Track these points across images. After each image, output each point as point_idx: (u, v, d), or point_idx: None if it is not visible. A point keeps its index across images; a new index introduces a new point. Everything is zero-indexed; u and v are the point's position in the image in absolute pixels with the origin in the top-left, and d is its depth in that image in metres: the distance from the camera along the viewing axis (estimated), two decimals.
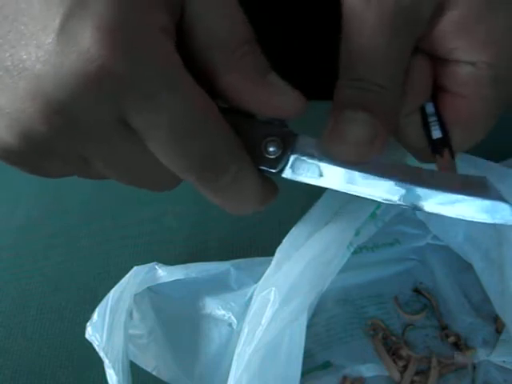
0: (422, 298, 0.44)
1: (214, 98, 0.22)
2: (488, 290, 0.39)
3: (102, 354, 0.34)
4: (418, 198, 0.24)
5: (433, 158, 0.27)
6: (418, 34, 0.25)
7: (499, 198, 0.24)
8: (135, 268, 0.37)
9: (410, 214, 0.43)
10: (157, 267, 0.37)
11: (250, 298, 0.35)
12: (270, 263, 0.34)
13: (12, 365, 0.43)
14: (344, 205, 0.34)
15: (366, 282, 0.44)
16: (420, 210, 0.25)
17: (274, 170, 0.25)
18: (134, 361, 0.38)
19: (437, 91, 0.28)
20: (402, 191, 0.24)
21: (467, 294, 0.44)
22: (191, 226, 0.49)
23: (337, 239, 0.33)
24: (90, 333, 0.35)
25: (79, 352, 0.43)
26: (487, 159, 0.37)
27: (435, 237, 0.44)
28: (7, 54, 0.20)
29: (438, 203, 0.24)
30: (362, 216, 0.34)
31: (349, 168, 0.24)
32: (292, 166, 0.25)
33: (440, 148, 0.27)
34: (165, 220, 0.50)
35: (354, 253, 0.35)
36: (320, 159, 0.25)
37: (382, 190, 0.24)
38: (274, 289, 0.32)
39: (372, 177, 0.24)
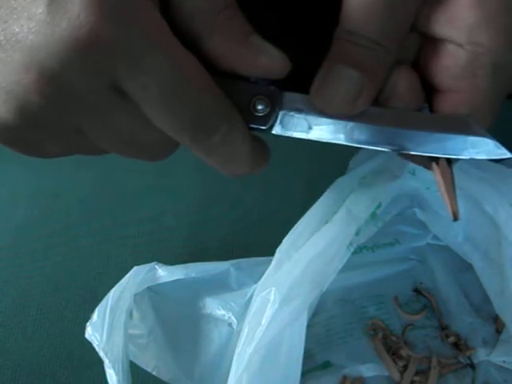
0: (422, 298, 0.44)
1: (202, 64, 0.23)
2: (488, 290, 0.39)
3: (101, 354, 0.34)
4: (404, 140, 0.25)
5: (429, 165, 0.27)
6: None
7: (482, 134, 0.25)
8: (135, 268, 0.37)
9: (410, 214, 0.43)
10: (157, 267, 0.37)
11: (250, 298, 0.35)
12: (270, 263, 0.34)
13: (12, 365, 0.43)
14: (344, 204, 0.34)
15: (366, 282, 0.44)
16: (407, 151, 0.25)
17: (263, 127, 0.25)
18: (134, 361, 0.38)
19: (432, 94, 0.27)
20: (389, 136, 0.25)
21: (467, 294, 0.44)
22: (191, 225, 0.49)
23: (337, 239, 0.33)
24: (90, 332, 0.35)
25: (79, 352, 0.43)
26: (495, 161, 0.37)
27: (435, 237, 0.44)
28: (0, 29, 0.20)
29: (422, 143, 0.25)
30: (362, 216, 0.34)
31: (336, 119, 0.25)
32: (281, 122, 0.26)
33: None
34: (164, 220, 0.50)
35: (354, 253, 0.35)
36: (308, 113, 0.25)
37: (368, 137, 0.25)
38: (273, 289, 0.32)
39: (358, 125, 0.25)
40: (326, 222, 0.34)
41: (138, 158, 0.25)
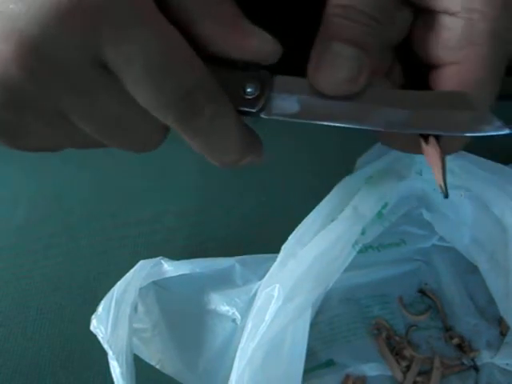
0: (427, 299, 0.44)
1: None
2: (493, 292, 0.39)
3: (106, 346, 0.34)
4: (402, 119, 0.24)
5: (412, 148, 0.27)
6: None
7: (481, 109, 0.24)
8: (141, 262, 0.37)
9: (416, 215, 0.42)
10: (162, 262, 0.37)
11: (255, 295, 0.35)
12: (274, 260, 0.34)
13: (12, 365, 0.43)
14: (350, 203, 0.34)
15: (371, 282, 0.44)
16: (405, 130, 0.25)
17: (253, 110, 0.25)
18: (138, 354, 0.38)
19: (430, 71, 0.27)
20: (385, 115, 0.24)
21: (472, 296, 0.44)
22: (191, 225, 0.49)
23: (342, 238, 0.33)
24: (95, 325, 0.35)
25: (79, 352, 0.43)
26: (496, 161, 0.37)
27: (441, 238, 0.44)
28: None
29: (421, 122, 0.24)
30: (368, 215, 0.34)
31: (331, 100, 0.25)
32: (271, 104, 0.25)
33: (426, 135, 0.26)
34: (165, 220, 0.50)
35: (360, 252, 0.35)
36: (300, 95, 0.25)
37: (363, 117, 0.25)
38: (278, 285, 0.32)
39: (353, 105, 0.25)
40: (332, 221, 0.34)
41: (125, 146, 0.25)
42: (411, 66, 0.28)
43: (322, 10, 0.25)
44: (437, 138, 0.25)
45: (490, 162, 0.36)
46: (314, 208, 0.35)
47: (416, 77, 0.28)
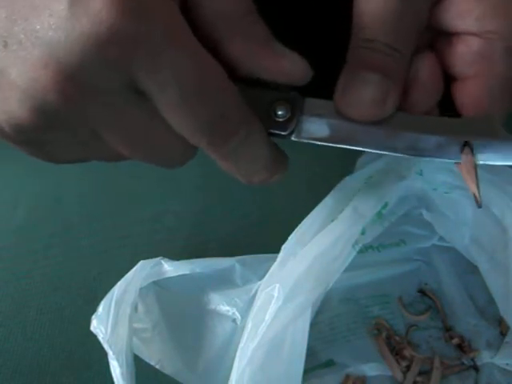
0: (427, 299, 0.44)
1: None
2: (493, 293, 0.39)
3: (106, 346, 0.34)
4: (429, 146, 0.25)
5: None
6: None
7: (508, 138, 0.25)
8: (141, 262, 0.37)
9: (416, 215, 0.42)
10: (162, 262, 0.37)
11: (255, 295, 0.35)
12: (275, 260, 0.34)
13: (12, 365, 0.43)
14: (350, 203, 0.34)
15: (371, 282, 0.44)
16: (431, 157, 0.25)
17: (284, 133, 0.25)
18: (138, 354, 0.38)
19: (449, 83, 0.27)
20: (413, 142, 0.25)
21: (472, 296, 0.44)
22: (191, 225, 0.49)
23: (342, 237, 0.33)
24: (95, 325, 0.35)
25: (79, 352, 0.43)
26: None
27: (441, 238, 0.44)
28: (21, 28, 0.20)
29: (447, 149, 0.25)
30: (368, 215, 0.34)
31: (357, 125, 0.25)
32: (301, 128, 0.25)
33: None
34: (165, 219, 0.50)
35: (360, 252, 0.35)
36: (329, 119, 0.25)
37: (392, 142, 0.25)
38: (278, 285, 0.32)
39: (382, 132, 0.25)
40: (332, 221, 0.34)
41: (154, 163, 0.25)
42: None
43: (348, 36, 0.26)
44: (470, 147, 0.26)
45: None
46: (314, 208, 0.35)
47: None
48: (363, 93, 0.24)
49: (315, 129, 0.25)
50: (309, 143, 0.25)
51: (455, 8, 0.26)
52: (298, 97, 0.25)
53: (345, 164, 0.38)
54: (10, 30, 0.20)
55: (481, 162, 0.25)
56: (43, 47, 0.20)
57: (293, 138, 0.25)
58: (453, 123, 0.26)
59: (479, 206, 0.26)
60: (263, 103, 0.25)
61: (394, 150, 0.25)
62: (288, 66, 0.24)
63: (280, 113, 0.25)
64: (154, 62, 0.21)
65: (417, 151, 0.25)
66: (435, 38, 0.28)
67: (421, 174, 0.38)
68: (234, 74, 0.24)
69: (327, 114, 0.25)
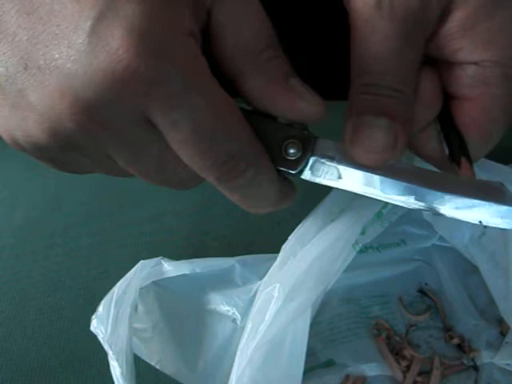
0: (427, 299, 0.44)
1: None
2: (493, 293, 0.39)
3: (106, 346, 0.34)
4: (436, 201, 0.25)
5: (451, 168, 0.27)
6: (427, 35, 0.25)
7: None
8: (141, 262, 0.37)
9: (416, 215, 0.42)
10: (162, 262, 0.37)
11: (255, 295, 0.35)
12: (275, 260, 0.34)
13: (12, 365, 0.43)
14: (350, 203, 0.34)
15: (371, 282, 0.44)
16: (437, 213, 0.25)
17: (293, 172, 0.25)
18: (138, 354, 0.38)
19: (448, 100, 0.28)
20: (420, 195, 0.25)
21: (472, 296, 0.44)
22: (191, 225, 0.49)
23: (342, 237, 0.33)
24: (95, 325, 0.35)
25: (79, 352, 0.43)
26: (496, 161, 0.37)
27: (441, 238, 0.44)
28: (40, 53, 0.21)
29: (454, 207, 0.25)
30: (368, 215, 0.34)
31: (368, 171, 0.25)
32: (311, 168, 0.25)
33: (458, 157, 0.27)
34: (165, 219, 0.50)
35: (360, 252, 0.35)
36: (339, 162, 0.25)
37: (400, 193, 0.25)
38: (278, 285, 0.32)
39: (391, 180, 0.25)
40: (332, 221, 0.34)
41: (165, 186, 0.26)
42: None
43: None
44: (470, 162, 0.26)
45: (490, 162, 0.36)
46: (314, 208, 0.35)
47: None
48: (373, 139, 0.24)
49: (325, 171, 0.25)
50: (320, 184, 0.26)
51: (449, 44, 0.26)
52: (310, 137, 0.25)
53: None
54: (30, 54, 0.21)
55: (486, 225, 0.25)
56: (61, 77, 0.20)
57: (302, 177, 0.26)
58: (463, 183, 0.26)
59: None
60: (275, 139, 0.25)
61: (403, 202, 0.25)
62: (303, 106, 0.24)
63: (291, 151, 0.25)
64: (169, 102, 0.21)
65: (424, 206, 0.25)
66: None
67: None
68: (249, 105, 0.24)
69: (338, 156, 0.25)
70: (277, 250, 0.34)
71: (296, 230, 0.34)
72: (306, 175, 0.25)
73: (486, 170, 0.36)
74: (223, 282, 0.38)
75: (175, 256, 0.38)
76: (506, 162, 0.37)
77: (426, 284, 0.45)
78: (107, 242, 0.49)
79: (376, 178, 0.25)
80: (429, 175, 0.26)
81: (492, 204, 0.25)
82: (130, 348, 0.34)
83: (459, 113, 0.27)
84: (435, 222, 0.42)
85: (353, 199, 0.34)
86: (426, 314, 0.43)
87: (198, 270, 0.37)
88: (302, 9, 0.50)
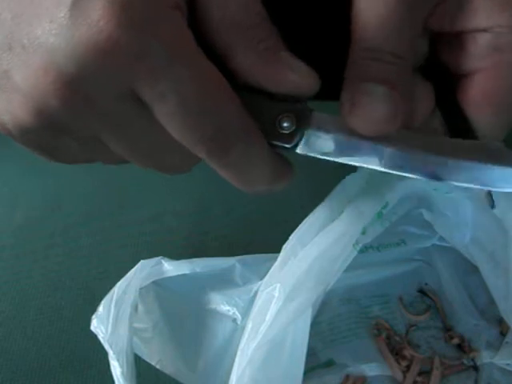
0: (427, 299, 0.44)
1: (227, 77, 0.23)
2: (493, 293, 0.39)
3: (106, 346, 0.34)
4: (438, 168, 0.24)
5: None
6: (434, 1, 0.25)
7: None
8: (141, 262, 0.37)
9: (416, 215, 0.42)
10: (163, 261, 0.37)
11: (255, 294, 0.35)
12: (275, 260, 0.34)
13: (12, 365, 0.43)
14: (351, 203, 0.34)
15: (371, 282, 0.44)
16: (440, 180, 0.24)
17: (288, 145, 0.25)
18: (139, 354, 0.38)
19: (456, 82, 0.27)
20: (421, 162, 0.24)
21: (472, 296, 0.44)
22: (191, 225, 0.49)
23: (343, 237, 0.33)
24: (95, 325, 0.35)
25: (79, 352, 0.43)
26: None
27: (441, 238, 0.44)
28: (24, 32, 0.21)
29: (457, 173, 0.24)
30: (369, 215, 0.34)
31: (366, 142, 0.24)
32: (306, 141, 0.25)
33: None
34: (165, 219, 0.50)
35: (360, 252, 0.35)
36: (336, 134, 0.25)
37: (399, 162, 0.25)
38: (278, 285, 0.32)
39: (390, 150, 0.24)
40: (333, 220, 0.34)
41: (158, 170, 0.25)
42: (438, 79, 0.28)
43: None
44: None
45: None
46: (314, 208, 0.35)
47: (444, 90, 0.28)
48: (373, 107, 0.24)
49: (321, 143, 0.25)
50: (316, 158, 0.25)
51: (460, 7, 0.25)
52: (304, 109, 0.25)
53: (343, 165, 0.37)
54: (14, 33, 0.21)
55: (490, 189, 0.25)
56: (44, 53, 0.20)
57: (297, 151, 0.25)
58: (464, 145, 0.25)
59: (492, 206, 0.25)
60: (269, 114, 0.24)
61: (406, 171, 0.25)
62: (295, 79, 0.23)
63: (285, 125, 0.24)
64: (155, 74, 0.20)
65: (425, 173, 0.25)
66: (435, 39, 0.27)
67: None
68: (241, 83, 0.24)
69: (335, 129, 0.25)
70: (277, 250, 0.34)
71: (297, 230, 0.34)
72: (302, 149, 0.25)
73: None
74: (223, 281, 0.38)
75: (175, 256, 0.38)
76: None
77: (426, 284, 0.45)
78: (107, 242, 0.49)
79: (374, 148, 0.24)
80: (429, 141, 0.25)
81: (495, 167, 0.24)
82: (130, 348, 0.34)
83: (468, 92, 0.26)
84: (435, 222, 0.42)
85: (353, 199, 0.34)
86: (426, 314, 0.43)
87: (198, 270, 0.37)
88: (299, 9, 0.50)
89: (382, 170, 0.25)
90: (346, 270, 0.34)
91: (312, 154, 0.25)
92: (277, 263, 0.34)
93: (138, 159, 0.24)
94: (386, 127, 0.24)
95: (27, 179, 0.53)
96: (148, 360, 0.38)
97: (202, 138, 0.22)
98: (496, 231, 0.37)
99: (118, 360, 0.33)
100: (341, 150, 0.25)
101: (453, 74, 0.27)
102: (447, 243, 0.43)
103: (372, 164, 0.25)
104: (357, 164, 0.25)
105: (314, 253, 0.32)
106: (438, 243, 0.45)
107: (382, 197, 0.36)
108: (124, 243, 0.49)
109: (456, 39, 0.26)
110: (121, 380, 0.33)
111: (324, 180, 0.37)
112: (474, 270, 0.41)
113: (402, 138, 0.25)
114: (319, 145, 0.25)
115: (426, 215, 0.42)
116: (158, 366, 0.38)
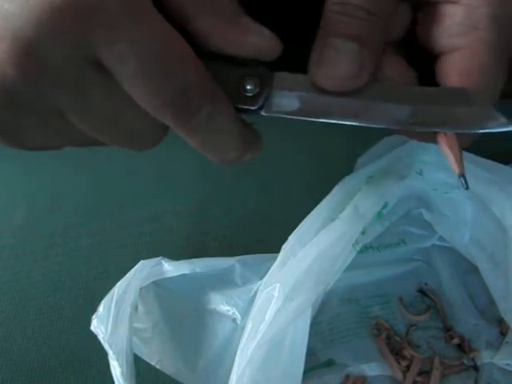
0: (427, 299, 0.44)
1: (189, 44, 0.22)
2: (493, 293, 0.39)
3: (106, 346, 0.34)
4: (406, 117, 0.24)
5: (431, 139, 0.26)
6: None
7: (486, 106, 0.24)
8: (141, 262, 0.37)
9: (416, 215, 0.43)
10: (162, 262, 0.37)
11: (255, 294, 0.35)
12: (275, 260, 0.34)
13: (12, 365, 0.43)
14: (350, 203, 0.34)
15: (371, 282, 0.44)
16: (408, 128, 0.24)
17: (253, 108, 0.25)
18: (138, 354, 0.38)
19: (434, 60, 0.26)
20: (387, 112, 0.24)
21: (472, 296, 0.44)
22: (191, 225, 0.49)
23: (343, 237, 0.33)
24: (95, 325, 0.35)
25: (79, 352, 0.43)
26: (496, 161, 0.37)
27: (441, 238, 0.44)
28: None
29: (428, 118, 0.24)
30: (369, 215, 0.34)
31: (332, 97, 0.24)
32: (271, 102, 0.25)
33: None
34: (164, 219, 0.50)
35: (360, 252, 0.35)
36: (300, 92, 0.24)
37: (366, 114, 0.24)
38: (278, 285, 0.32)
39: (355, 102, 0.24)
40: (332, 220, 0.34)
41: (123, 145, 0.25)
42: (416, 59, 0.28)
43: (322, 7, 0.25)
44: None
45: (490, 162, 0.37)
46: (314, 208, 0.35)
47: (421, 69, 0.27)
48: (339, 64, 0.23)
49: (286, 103, 0.25)
50: (280, 118, 0.25)
51: None
52: (266, 71, 0.25)
53: (345, 164, 0.38)
54: None
55: (459, 131, 0.24)
56: (0, 23, 0.20)
57: (263, 113, 0.25)
58: (429, 92, 0.25)
59: (466, 187, 0.24)
60: (232, 79, 0.24)
61: (368, 122, 0.24)
62: (255, 41, 0.23)
63: (249, 87, 0.24)
64: (112, 34, 0.20)
65: (392, 122, 0.24)
66: (415, 14, 0.27)
67: (421, 174, 0.38)
68: (201, 49, 0.23)
69: (298, 87, 0.25)
70: (277, 250, 0.34)
71: (296, 230, 0.34)
72: (267, 110, 0.25)
73: (486, 170, 0.36)
74: (223, 281, 0.38)
75: (175, 256, 0.38)
76: (506, 162, 0.37)
77: (426, 284, 0.45)
78: (107, 241, 0.49)
79: (337, 101, 0.24)
80: (392, 90, 0.25)
81: (465, 108, 0.24)
82: (130, 348, 0.34)
83: (446, 68, 0.26)
84: (435, 222, 0.42)
85: (353, 199, 0.34)
86: (426, 314, 0.43)
87: (198, 270, 0.37)
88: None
89: (346, 123, 0.24)
90: (346, 270, 0.34)
91: (277, 115, 0.25)
92: (276, 263, 0.34)
93: (103, 134, 0.24)
94: (351, 84, 0.24)
95: (27, 179, 0.53)
96: (148, 360, 0.38)
97: (165, 102, 0.22)
98: (496, 231, 0.37)
99: (117, 360, 0.33)
100: (304, 108, 0.25)
101: (431, 53, 0.26)
102: (447, 243, 0.44)
103: (335, 119, 0.24)
104: (320, 120, 0.24)
105: (314, 253, 0.32)
106: (437, 243, 0.45)
107: (381, 197, 0.36)
108: (124, 243, 0.49)
109: (433, 15, 0.26)
110: (121, 380, 0.33)
111: (324, 180, 0.37)
112: (474, 269, 0.41)
113: (366, 89, 0.24)
114: (283, 104, 0.25)
115: (426, 215, 0.42)
116: (157, 366, 0.38)
